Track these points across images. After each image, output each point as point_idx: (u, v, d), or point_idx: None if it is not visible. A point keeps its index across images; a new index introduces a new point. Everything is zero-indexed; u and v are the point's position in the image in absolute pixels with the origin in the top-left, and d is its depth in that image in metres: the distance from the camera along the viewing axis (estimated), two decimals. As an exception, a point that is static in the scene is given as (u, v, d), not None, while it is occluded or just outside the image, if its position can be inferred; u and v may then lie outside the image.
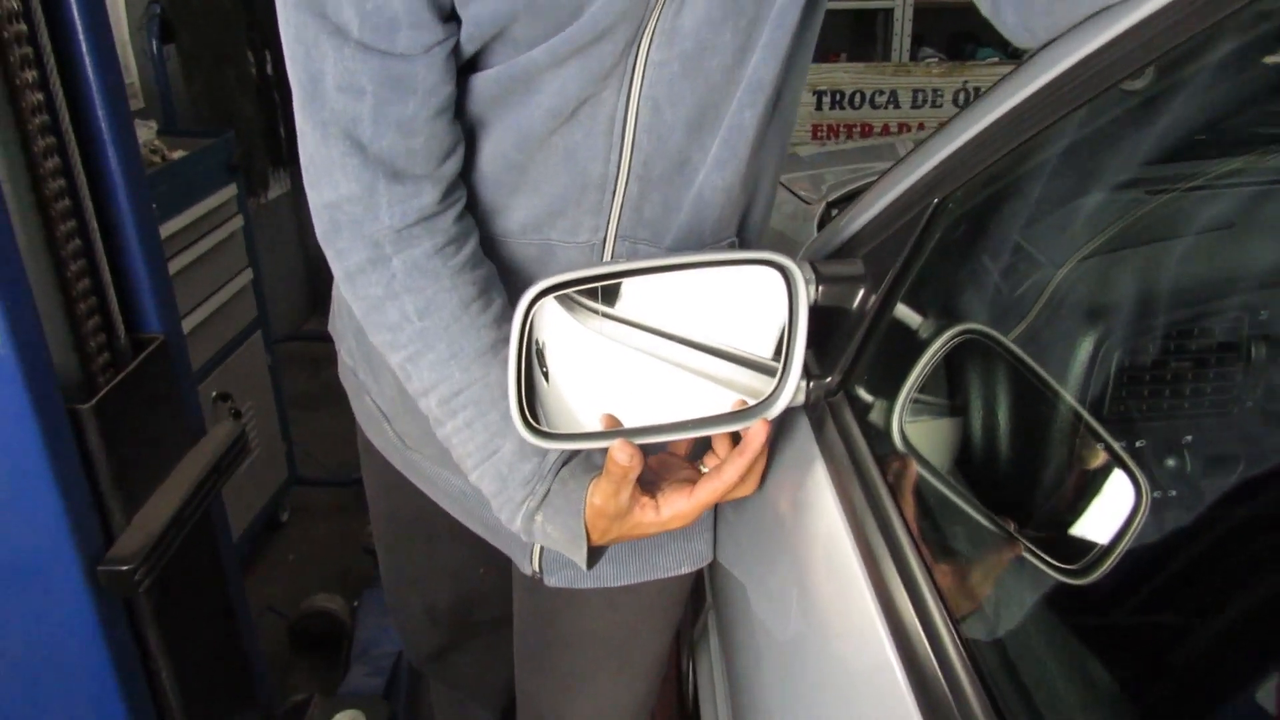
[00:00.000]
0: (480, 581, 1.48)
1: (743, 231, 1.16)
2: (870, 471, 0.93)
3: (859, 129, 4.36)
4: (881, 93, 4.37)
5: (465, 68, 0.92)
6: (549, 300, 0.91)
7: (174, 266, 2.15)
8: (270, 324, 2.81)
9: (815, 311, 0.97)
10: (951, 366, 0.97)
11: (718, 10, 0.89)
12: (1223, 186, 1.08)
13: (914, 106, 4.48)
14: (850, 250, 1.03)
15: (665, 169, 0.98)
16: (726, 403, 1.00)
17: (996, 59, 4.54)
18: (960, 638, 0.72)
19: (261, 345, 2.75)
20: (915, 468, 0.95)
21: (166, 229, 2.19)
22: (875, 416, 1.00)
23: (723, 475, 0.92)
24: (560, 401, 0.99)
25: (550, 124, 0.93)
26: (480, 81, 0.92)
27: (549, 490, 0.95)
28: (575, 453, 0.99)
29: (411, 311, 0.92)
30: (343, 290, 0.95)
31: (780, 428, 1.05)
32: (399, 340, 0.94)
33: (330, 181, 0.89)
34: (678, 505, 0.93)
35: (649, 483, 0.97)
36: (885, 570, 0.80)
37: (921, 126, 4.43)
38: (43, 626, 1.27)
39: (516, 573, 1.26)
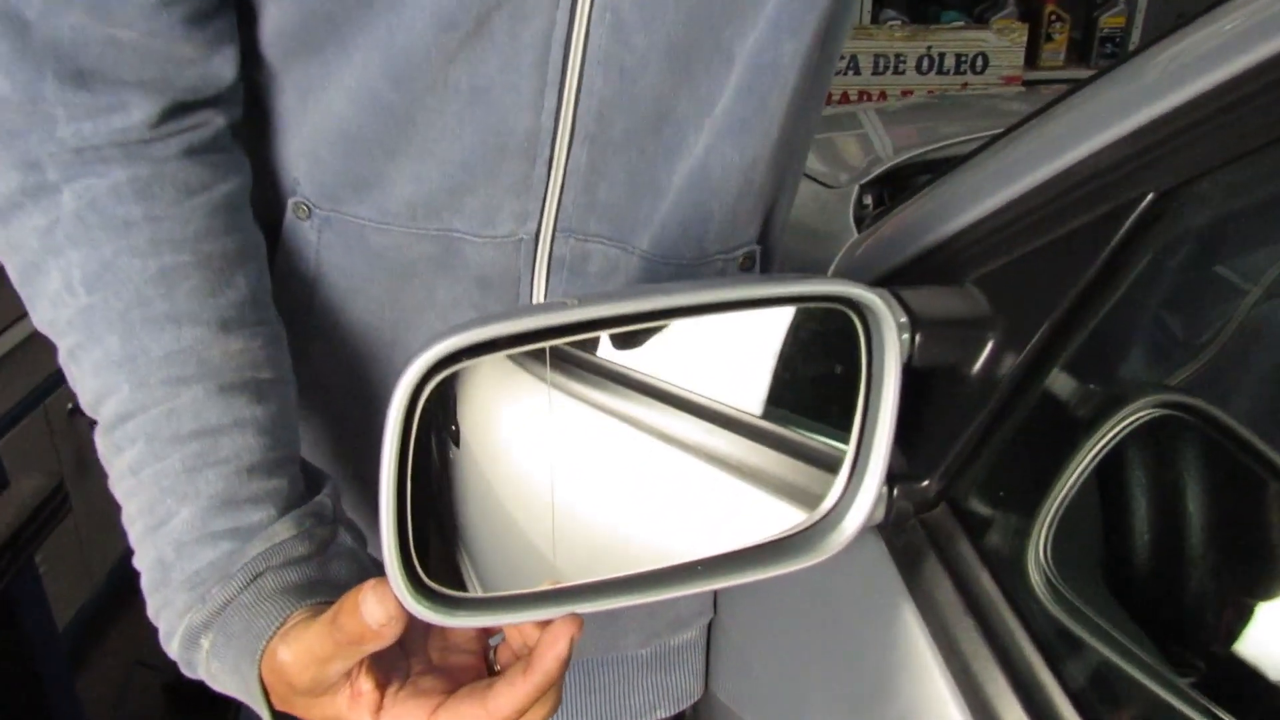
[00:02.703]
0: None
1: (766, 234, 0.76)
2: (1012, 634, 0.54)
3: (814, 97, 4.00)
4: (840, 57, 4.01)
5: None
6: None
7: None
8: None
9: (909, 376, 0.57)
10: (1133, 462, 0.59)
11: None
12: None
13: (875, 73, 4.16)
14: (952, 272, 0.63)
15: (632, 126, 0.68)
16: (757, 518, 0.61)
17: (962, 23, 4.25)
18: None
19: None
20: (1073, 627, 0.56)
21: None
22: (997, 541, 0.61)
23: (489, 706, 0.54)
24: (480, 516, 0.59)
25: (442, 44, 0.63)
26: None
27: (232, 600, 0.59)
28: (297, 548, 0.62)
29: (77, 278, 0.62)
30: None
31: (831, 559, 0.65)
32: (59, 321, 0.63)
33: None
34: None
35: (389, 662, 0.58)
36: None
37: (883, 95, 4.10)
38: None
39: None
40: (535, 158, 0.68)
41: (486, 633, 0.62)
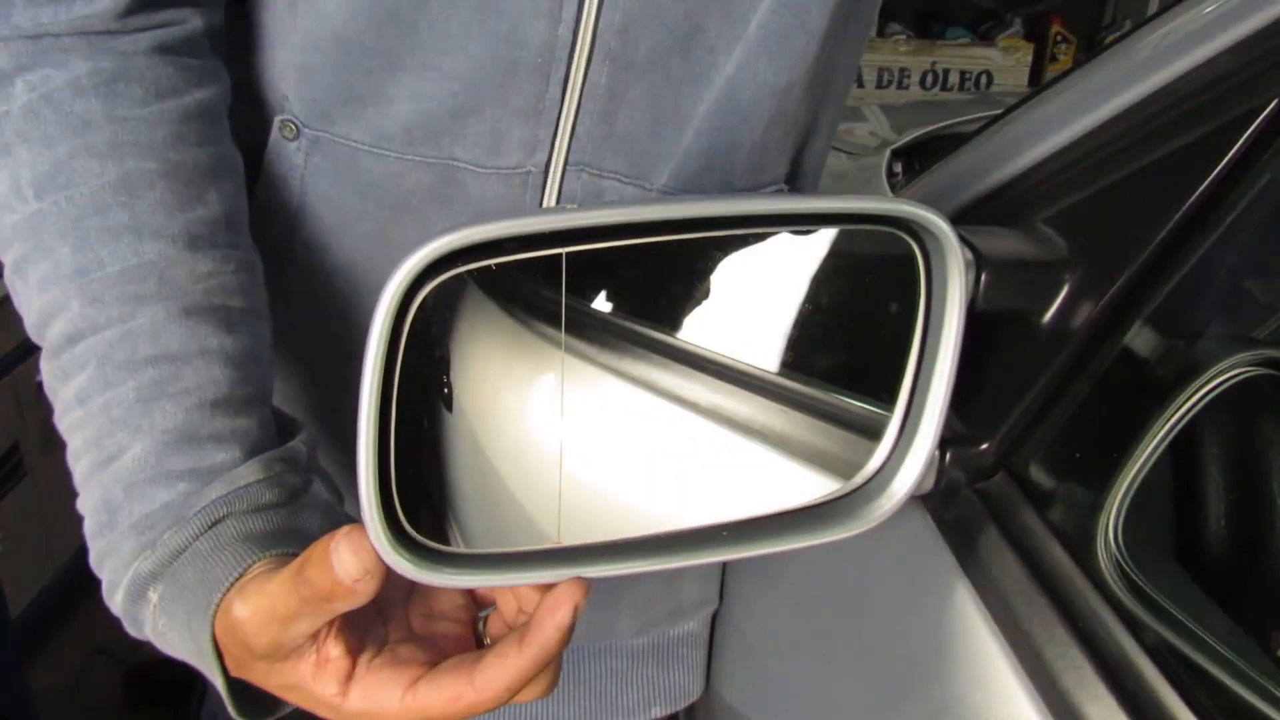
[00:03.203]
0: None
1: (795, 176, 0.69)
2: (1096, 613, 0.47)
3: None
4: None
5: None
6: (458, 283, 0.43)
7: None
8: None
9: (970, 324, 0.50)
10: (1220, 428, 0.52)
11: None
12: None
13: (879, 86, 4.14)
14: (1019, 214, 0.56)
15: (658, 44, 0.62)
16: (786, 485, 0.54)
17: (967, 39, 4.23)
18: None
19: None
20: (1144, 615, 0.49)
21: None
22: (1062, 518, 0.53)
23: (476, 681, 0.47)
24: (475, 460, 0.52)
25: None
26: None
27: (186, 547, 0.52)
28: (264, 494, 0.54)
29: (26, 180, 0.55)
30: None
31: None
32: (4, 229, 0.57)
33: None
34: (381, 699, 0.48)
35: (363, 627, 0.51)
36: None
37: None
38: None
39: None
40: (549, 76, 0.61)
41: (476, 600, 0.55)
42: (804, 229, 0.50)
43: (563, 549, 0.50)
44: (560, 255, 0.44)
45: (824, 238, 0.54)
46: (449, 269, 0.42)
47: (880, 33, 4.30)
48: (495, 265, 0.43)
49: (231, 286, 0.58)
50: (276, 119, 0.67)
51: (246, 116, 0.67)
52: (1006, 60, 4.05)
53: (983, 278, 0.51)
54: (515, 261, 0.43)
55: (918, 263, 0.50)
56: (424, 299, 0.43)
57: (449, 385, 0.49)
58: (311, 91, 0.65)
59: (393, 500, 0.46)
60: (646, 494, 0.55)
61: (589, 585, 0.48)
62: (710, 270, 0.57)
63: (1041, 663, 0.45)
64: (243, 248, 0.61)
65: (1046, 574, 0.48)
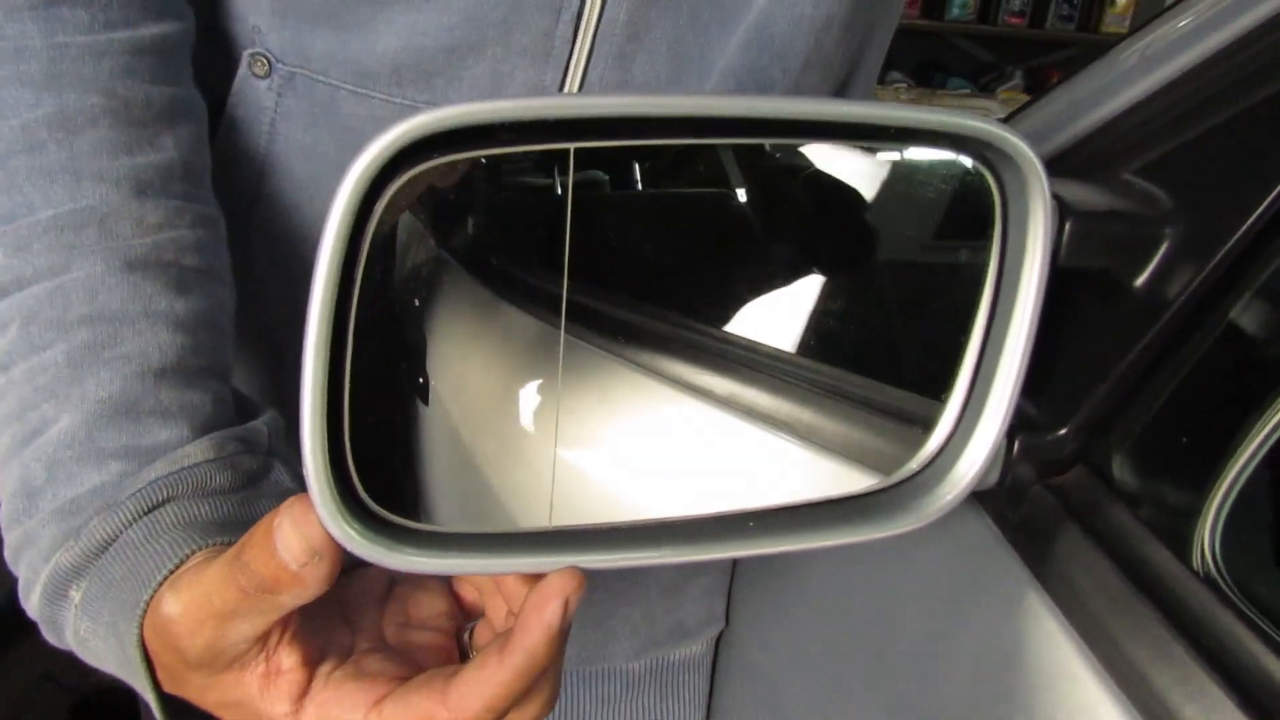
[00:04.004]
0: None
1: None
2: (1228, 626, 0.37)
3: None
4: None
5: None
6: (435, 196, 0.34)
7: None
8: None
9: (1054, 282, 0.41)
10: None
11: None
12: None
13: (879, 134, 4.12)
14: (1098, 166, 0.48)
15: None
16: (818, 477, 0.46)
17: (967, 90, 4.24)
18: None
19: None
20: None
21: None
22: (1150, 520, 0.44)
23: (450, 698, 0.39)
24: (453, 420, 0.43)
25: None
26: None
27: (117, 537, 0.44)
28: (213, 477, 0.47)
29: None
30: None
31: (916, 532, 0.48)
32: None
33: None
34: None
35: (325, 633, 0.43)
36: None
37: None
38: None
39: None
40: (560, 10, 0.55)
41: (463, 608, 0.46)
42: (859, 143, 0.42)
43: (555, 532, 0.41)
44: (568, 151, 0.35)
45: (870, 174, 0.46)
46: (424, 159, 0.34)
47: (880, 80, 4.30)
48: (485, 159, 0.34)
49: (186, 242, 0.51)
50: (245, 54, 0.60)
51: (210, 56, 0.60)
52: (1006, 113, 4.06)
53: (1067, 227, 0.43)
54: (508, 154, 0.35)
55: (993, 199, 0.41)
56: (393, 197, 0.34)
57: (424, 326, 0.40)
58: (287, 21, 0.58)
59: (346, 463, 0.37)
60: (656, 476, 0.46)
61: (584, 579, 0.39)
62: (733, 218, 0.49)
63: (1150, 689, 0.36)
64: (202, 201, 0.54)
65: (1151, 583, 0.39)
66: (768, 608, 0.73)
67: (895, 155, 0.46)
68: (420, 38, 0.56)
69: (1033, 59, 4.07)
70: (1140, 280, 0.44)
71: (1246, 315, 0.44)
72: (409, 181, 0.34)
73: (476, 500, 0.43)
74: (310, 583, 0.38)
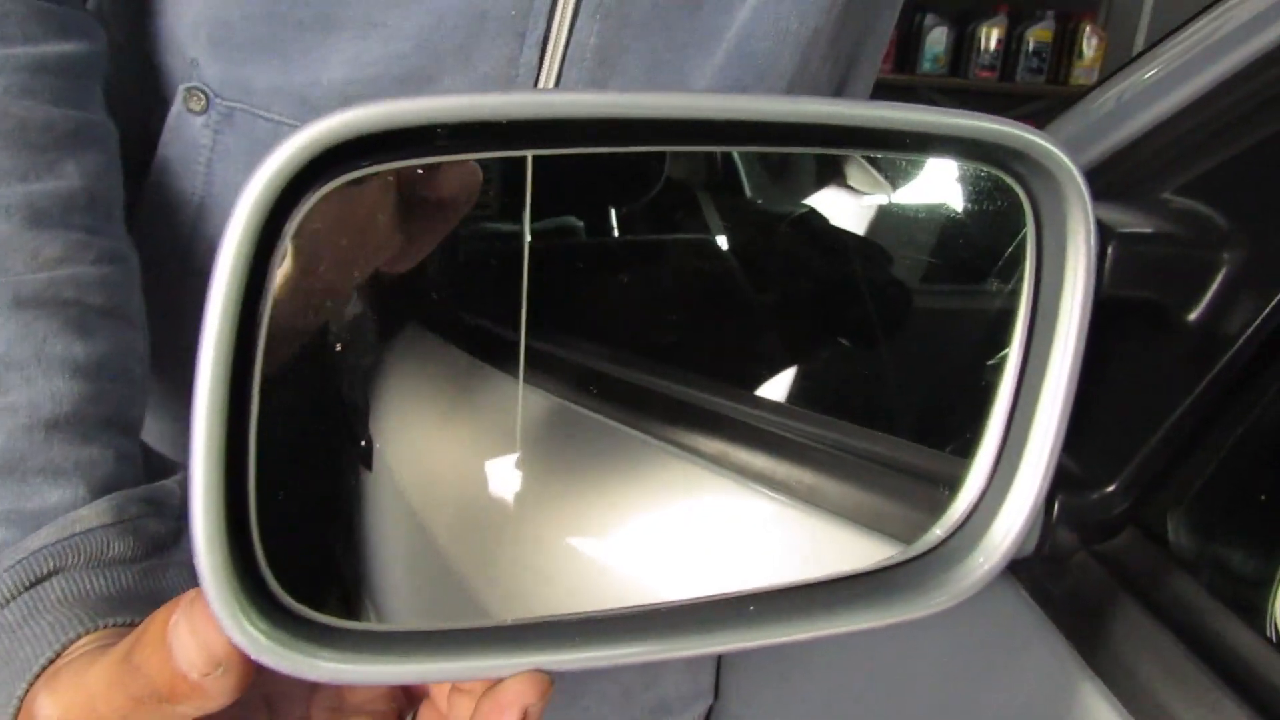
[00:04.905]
0: None
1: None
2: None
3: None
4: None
5: None
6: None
7: None
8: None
9: (1096, 315, 0.35)
10: None
11: None
12: None
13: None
14: (1133, 185, 0.42)
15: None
16: (826, 549, 0.40)
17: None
18: None
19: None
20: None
21: None
22: (1216, 585, 0.38)
23: None
24: (391, 527, 0.37)
25: None
26: None
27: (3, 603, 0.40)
28: (111, 544, 0.41)
29: None
30: None
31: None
32: None
33: None
34: None
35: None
36: None
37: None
38: None
39: None
40: (525, 35, 0.51)
41: (405, 689, 0.39)
42: (867, 152, 0.36)
43: (519, 627, 0.34)
44: (525, 158, 0.29)
45: (876, 197, 0.40)
46: (344, 171, 0.27)
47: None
48: (421, 168, 0.28)
49: (89, 279, 0.46)
50: (181, 88, 0.55)
51: (143, 94, 0.56)
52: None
53: (1109, 252, 0.37)
54: (454, 162, 0.28)
55: (1025, 219, 0.35)
56: (305, 218, 0.27)
57: (349, 377, 0.33)
58: (226, 51, 0.54)
59: (253, 548, 0.30)
60: (639, 554, 0.39)
61: (550, 684, 0.32)
62: (716, 253, 0.43)
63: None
64: (108, 235, 0.49)
65: (1229, 664, 0.32)
66: (762, 680, 0.67)
67: (884, 199, 0.41)
68: (370, 67, 0.52)
69: (1004, 111, 4.09)
70: (1195, 313, 0.38)
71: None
72: (324, 199, 0.27)
73: (420, 591, 0.36)
74: (214, 694, 0.31)
